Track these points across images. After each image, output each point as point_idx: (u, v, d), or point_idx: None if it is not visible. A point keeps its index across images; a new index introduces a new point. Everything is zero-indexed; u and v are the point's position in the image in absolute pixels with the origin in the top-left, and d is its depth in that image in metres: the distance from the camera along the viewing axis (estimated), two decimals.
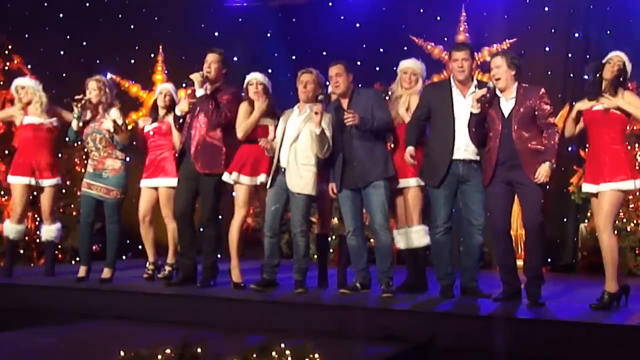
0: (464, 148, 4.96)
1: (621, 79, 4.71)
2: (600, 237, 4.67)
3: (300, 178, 5.17)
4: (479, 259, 5.07)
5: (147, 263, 6.20)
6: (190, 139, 5.51)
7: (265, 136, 5.40)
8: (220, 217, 5.85)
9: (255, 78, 5.50)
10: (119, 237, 5.86)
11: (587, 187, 4.75)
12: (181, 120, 5.63)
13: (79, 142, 6.07)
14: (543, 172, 4.65)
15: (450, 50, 5.19)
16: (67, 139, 5.98)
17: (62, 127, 6.19)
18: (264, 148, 5.27)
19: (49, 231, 6.21)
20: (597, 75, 4.76)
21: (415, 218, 5.26)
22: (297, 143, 5.19)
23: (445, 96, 5.04)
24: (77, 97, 5.75)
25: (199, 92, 5.42)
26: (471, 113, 4.85)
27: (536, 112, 4.73)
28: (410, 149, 5.05)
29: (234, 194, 5.66)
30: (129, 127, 6.34)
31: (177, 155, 5.78)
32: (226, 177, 5.48)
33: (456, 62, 5.03)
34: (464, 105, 4.96)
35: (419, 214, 5.27)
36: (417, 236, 5.25)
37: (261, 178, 5.43)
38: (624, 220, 7.03)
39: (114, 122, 5.68)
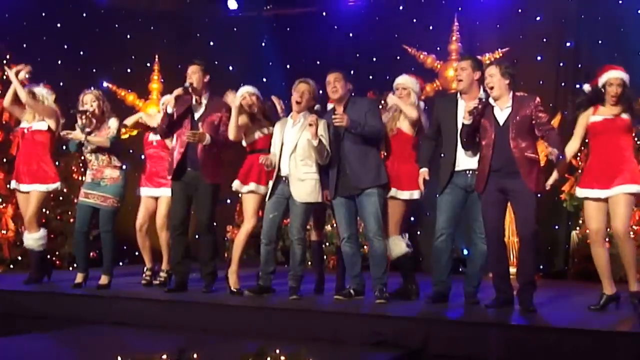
0: (469, 158, 5.01)
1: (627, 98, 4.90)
2: (621, 242, 4.80)
3: (304, 187, 5.24)
4: (482, 266, 5.12)
5: (145, 269, 6.25)
6: (192, 149, 5.55)
7: (269, 145, 5.47)
8: (214, 223, 5.90)
9: (247, 92, 5.59)
10: (114, 245, 5.88)
11: (594, 193, 4.84)
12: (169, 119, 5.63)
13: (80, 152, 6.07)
14: (554, 153, 4.65)
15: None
16: (70, 149, 6.02)
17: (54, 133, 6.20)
18: (264, 165, 5.32)
19: (27, 240, 6.16)
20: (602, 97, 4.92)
21: (391, 229, 5.32)
22: (296, 153, 5.26)
23: (451, 108, 5.11)
24: (81, 109, 5.79)
25: (170, 110, 5.56)
26: (463, 124, 4.92)
27: (533, 121, 4.79)
28: (423, 171, 5.14)
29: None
30: (125, 136, 6.37)
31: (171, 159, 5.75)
32: (240, 186, 5.56)
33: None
34: None
35: (395, 224, 5.32)
36: (392, 247, 5.32)
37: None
38: None
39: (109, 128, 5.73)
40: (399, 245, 5.33)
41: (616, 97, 4.87)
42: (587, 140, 5.39)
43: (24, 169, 6.13)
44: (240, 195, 5.92)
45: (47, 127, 6.12)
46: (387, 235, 5.36)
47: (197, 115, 5.61)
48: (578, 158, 7.44)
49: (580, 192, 5.00)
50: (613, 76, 4.90)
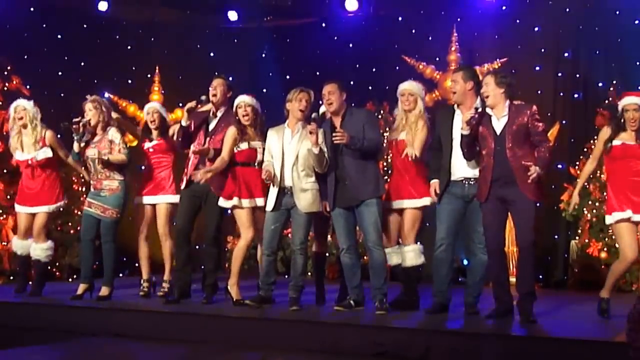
0: (464, 167, 5.04)
1: None
2: None
3: (307, 197, 5.26)
4: (481, 276, 5.13)
5: (142, 280, 6.25)
6: (205, 160, 5.62)
7: (254, 159, 5.48)
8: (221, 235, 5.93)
9: (243, 101, 5.58)
10: (114, 256, 5.89)
11: (627, 214, 4.94)
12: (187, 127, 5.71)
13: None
14: (534, 172, 4.65)
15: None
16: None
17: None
18: (265, 180, 5.30)
19: (35, 249, 6.18)
20: (622, 121, 5.04)
21: (411, 237, 5.35)
22: (298, 164, 5.27)
23: (448, 119, 5.15)
24: (75, 119, 5.82)
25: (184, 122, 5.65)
26: (461, 134, 4.96)
27: (530, 129, 4.80)
28: (434, 183, 5.16)
29: (229, 211, 5.73)
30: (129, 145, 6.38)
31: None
32: (223, 202, 5.55)
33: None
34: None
35: (414, 233, 5.36)
36: (411, 255, 5.34)
37: (259, 202, 5.51)
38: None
39: (112, 142, 5.77)
40: (417, 256, 5.34)
41: (634, 121, 4.97)
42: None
43: (31, 193, 6.13)
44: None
45: (51, 154, 6.12)
46: (402, 243, 5.39)
47: (210, 128, 5.69)
48: (577, 167, 7.47)
49: (611, 218, 5.03)
50: (628, 102, 5.02)
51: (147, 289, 6.19)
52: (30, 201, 6.16)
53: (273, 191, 5.33)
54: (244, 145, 5.53)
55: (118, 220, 5.88)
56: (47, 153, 6.08)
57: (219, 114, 5.73)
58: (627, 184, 5.01)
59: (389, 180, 5.51)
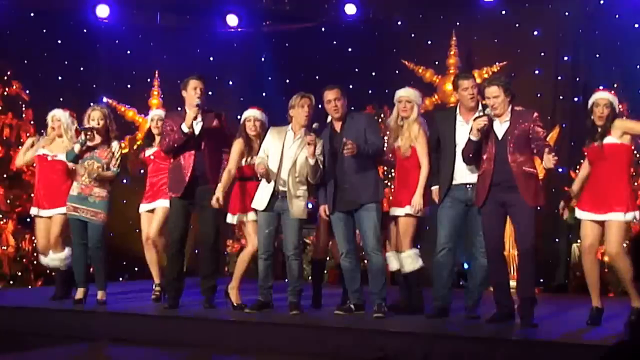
0: (467, 173, 5.03)
1: (613, 118, 4.89)
2: (616, 263, 4.89)
3: (299, 204, 5.26)
4: (482, 280, 5.13)
5: (154, 285, 6.23)
6: (201, 164, 5.54)
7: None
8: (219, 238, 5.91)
9: (253, 116, 5.57)
10: (105, 259, 5.88)
11: (589, 216, 4.90)
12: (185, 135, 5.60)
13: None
14: (551, 158, 4.58)
15: (456, 80, 5.22)
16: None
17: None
18: (260, 175, 5.29)
19: (52, 260, 6.20)
20: (591, 119, 4.94)
21: (406, 243, 5.33)
22: (295, 170, 5.27)
23: (450, 123, 5.14)
24: (87, 126, 5.80)
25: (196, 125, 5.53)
26: (470, 139, 4.91)
27: (530, 135, 4.80)
28: (435, 189, 5.19)
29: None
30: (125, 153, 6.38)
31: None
32: (230, 218, 5.60)
33: (466, 90, 5.08)
34: (466, 132, 4.99)
35: (409, 239, 5.34)
36: (408, 261, 5.32)
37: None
38: None
39: (113, 154, 5.82)
40: (414, 261, 5.32)
41: (602, 117, 4.88)
42: None
43: (44, 194, 6.13)
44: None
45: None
46: (397, 250, 5.38)
47: (197, 130, 5.55)
48: (577, 171, 7.46)
49: (577, 213, 5.05)
50: (599, 97, 4.94)
51: (159, 294, 6.17)
52: (46, 202, 6.12)
53: (267, 190, 5.30)
54: (247, 161, 5.52)
55: (105, 225, 5.87)
56: (64, 157, 6.07)
57: (199, 117, 5.55)
58: (601, 184, 4.90)
59: (392, 186, 5.49)
